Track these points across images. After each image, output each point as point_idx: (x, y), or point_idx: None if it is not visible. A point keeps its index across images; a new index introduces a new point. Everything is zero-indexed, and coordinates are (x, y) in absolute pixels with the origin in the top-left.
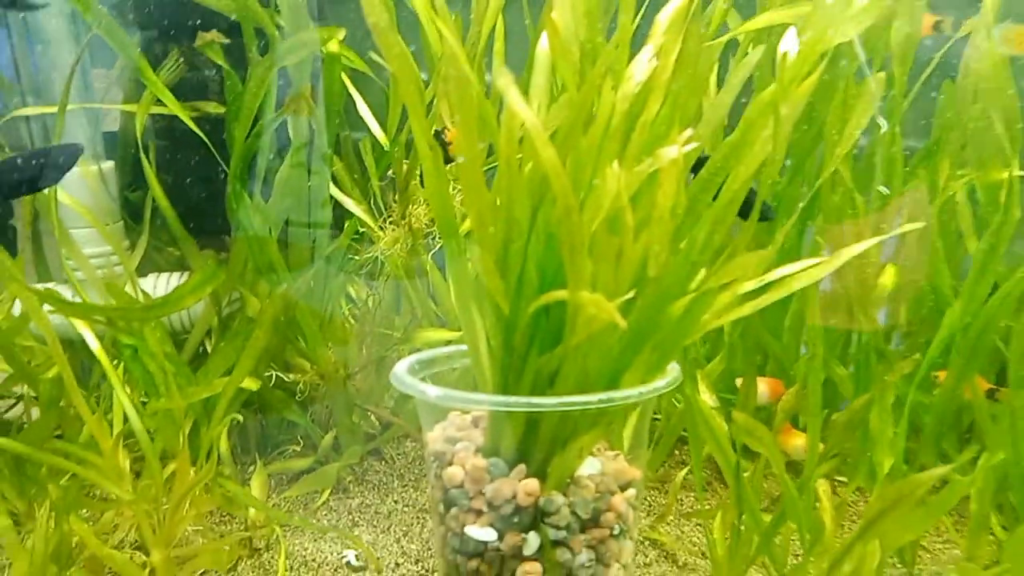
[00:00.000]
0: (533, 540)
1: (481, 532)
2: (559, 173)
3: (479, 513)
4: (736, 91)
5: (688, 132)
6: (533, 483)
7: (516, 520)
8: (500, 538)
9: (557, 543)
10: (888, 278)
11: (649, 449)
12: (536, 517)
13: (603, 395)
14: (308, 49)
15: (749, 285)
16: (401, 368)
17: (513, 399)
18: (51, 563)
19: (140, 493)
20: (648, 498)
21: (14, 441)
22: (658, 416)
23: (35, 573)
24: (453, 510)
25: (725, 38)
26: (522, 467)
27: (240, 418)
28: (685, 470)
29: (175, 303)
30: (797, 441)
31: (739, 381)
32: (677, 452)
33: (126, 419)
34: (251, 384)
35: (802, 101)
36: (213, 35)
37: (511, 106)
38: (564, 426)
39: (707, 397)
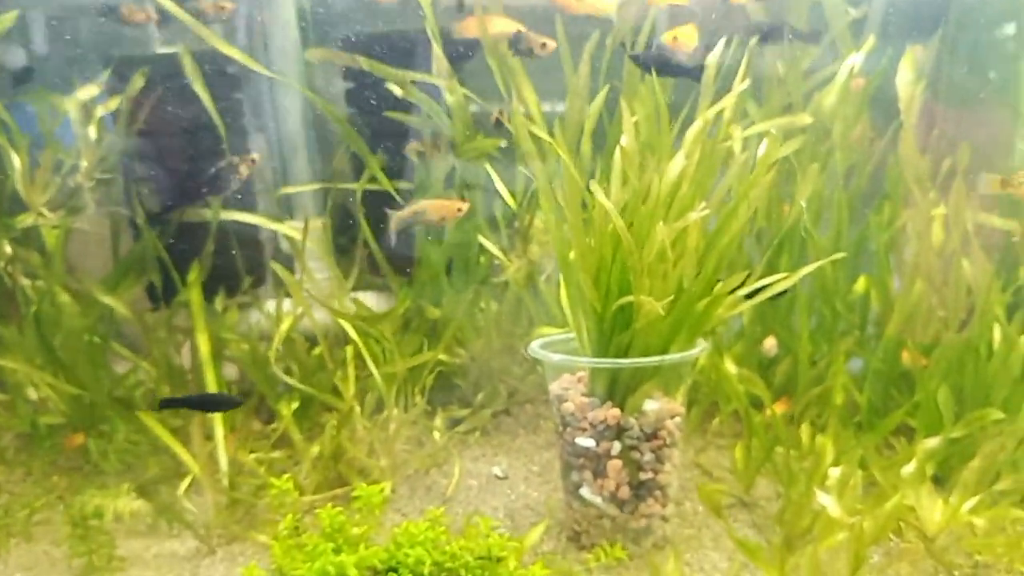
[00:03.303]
0: (616, 446)
1: (585, 441)
2: (624, 231)
3: (584, 430)
4: (733, 181)
5: (703, 204)
6: (616, 411)
7: (606, 434)
8: (597, 444)
9: (631, 448)
10: (860, 284)
11: (694, 407)
12: (618, 432)
13: (657, 358)
14: (480, 153)
15: (743, 291)
16: (535, 345)
17: (604, 360)
18: (330, 460)
19: (374, 424)
20: (692, 439)
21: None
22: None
23: (323, 464)
24: (568, 428)
25: (727, 143)
26: (610, 403)
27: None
28: (717, 419)
29: (397, 311)
30: (783, 406)
31: (768, 342)
32: (712, 410)
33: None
34: (444, 355)
35: (767, 186)
36: (416, 145)
37: (600, 200)
38: (635, 377)
39: (730, 366)
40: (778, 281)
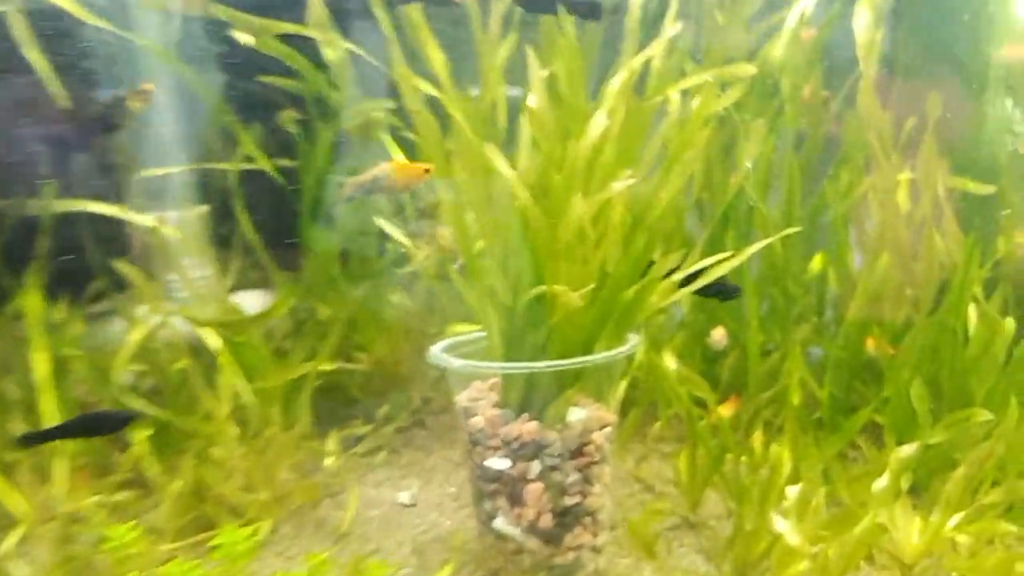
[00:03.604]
0: (535, 466)
1: (498, 462)
2: (531, 205)
3: (496, 449)
4: (663, 139)
5: (629, 171)
6: (533, 425)
7: (522, 452)
8: (512, 466)
9: (552, 468)
10: (816, 263)
11: (633, 409)
12: (537, 450)
13: (579, 359)
14: (362, 117)
15: (677, 276)
16: (436, 349)
17: (514, 364)
18: (191, 499)
19: (248, 449)
20: (631, 446)
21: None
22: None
23: (181, 505)
24: (478, 448)
25: (657, 99)
26: (526, 415)
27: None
28: (659, 423)
29: (274, 313)
30: (729, 408)
31: (716, 332)
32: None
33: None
34: (328, 365)
35: (700, 147)
36: (291, 113)
37: (496, 166)
38: (554, 383)
39: (670, 362)
40: (721, 261)
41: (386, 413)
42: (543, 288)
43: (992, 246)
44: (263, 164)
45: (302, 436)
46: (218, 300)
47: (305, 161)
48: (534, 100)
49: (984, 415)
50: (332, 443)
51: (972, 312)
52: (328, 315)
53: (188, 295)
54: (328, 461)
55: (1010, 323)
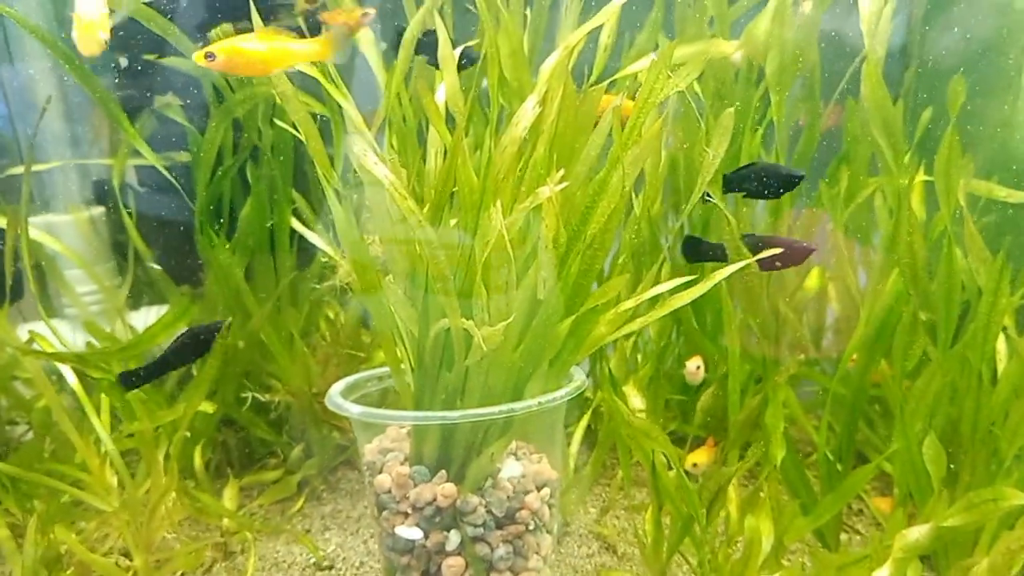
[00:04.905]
0: (454, 537)
1: (408, 532)
2: (417, 215)
3: (406, 515)
4: (606, 132)
5: (560, 173)
6: (450, 487)
7: (437, 520)
8: (425, 536)
9: (476, 539)
10: (813, 280)
11: (596, 449)
12: (455, 517)
13: (504, 407)
14: (255, 100)
15: (629, 303)
16: (336, 388)
17: (423, 413)
18: (42, 568)
19: (120, 505)
20: (600, 494)
21: (4, 463)
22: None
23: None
24: (384, 513)
25: (605, 83)
26: (443, 473)
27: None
28: (621, 471)
29: (149, 340)
30: (704, 456)
31: (691, 364)
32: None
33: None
34: (207, 407)
35: (650, 143)
36: (170, 98)
37: (368, 167)
38: (475, 435)
39: (637, 400)
40: (685, 284)
41: (301, 453)
42: (445, 321)
43: None
44: (151, 158)
45: (180, 485)
46: (103, 320)
47: (196, 155)
48: (445, 88)
49: (1016, 498)
50: (229, 493)
51: (1001, 346)
52: (227, 340)
53: (78, 313)
54: (225, 515)
55: None
